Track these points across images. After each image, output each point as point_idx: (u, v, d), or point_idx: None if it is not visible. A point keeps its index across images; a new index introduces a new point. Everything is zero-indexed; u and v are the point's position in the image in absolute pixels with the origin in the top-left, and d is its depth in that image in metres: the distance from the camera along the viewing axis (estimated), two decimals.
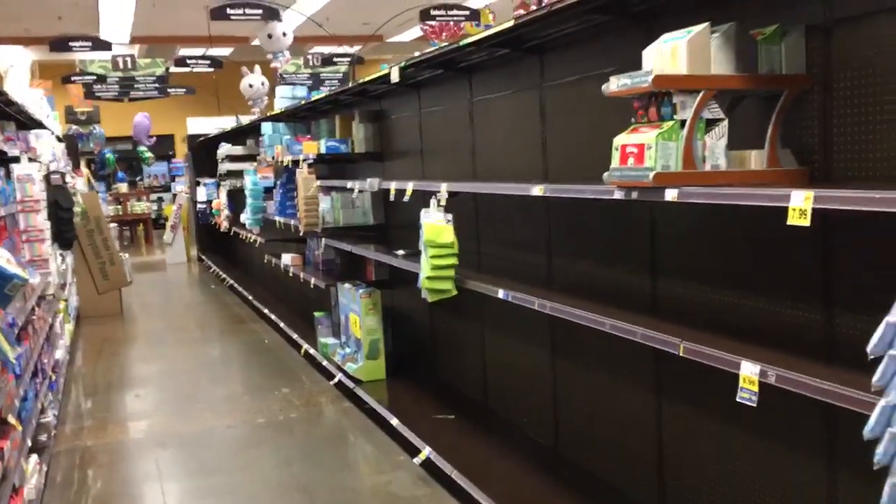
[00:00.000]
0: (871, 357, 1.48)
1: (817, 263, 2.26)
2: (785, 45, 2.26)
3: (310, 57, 10.96)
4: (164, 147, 19.19)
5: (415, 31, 13.45)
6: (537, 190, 2.88)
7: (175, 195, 14.07)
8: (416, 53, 4.16)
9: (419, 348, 5.18)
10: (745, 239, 2.51)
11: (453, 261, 3.62)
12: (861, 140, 2.15)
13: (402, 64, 4.22)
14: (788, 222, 1.81)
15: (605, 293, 3.15)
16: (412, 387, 4.88)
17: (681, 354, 2.29)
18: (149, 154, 17.08)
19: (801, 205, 1.78)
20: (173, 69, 13.42)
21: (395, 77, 4.26)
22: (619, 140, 2.35)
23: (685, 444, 2.87)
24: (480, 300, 3.49)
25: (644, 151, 2.26)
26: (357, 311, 5.11)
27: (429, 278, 3.61)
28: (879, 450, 1.47)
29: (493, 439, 3.94)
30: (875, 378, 1.48)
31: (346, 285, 5.32)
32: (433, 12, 6.23)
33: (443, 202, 3.61)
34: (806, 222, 1.79)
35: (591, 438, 3.43)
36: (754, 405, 1.98)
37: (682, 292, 2.78)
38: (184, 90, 14.64)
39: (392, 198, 4.27)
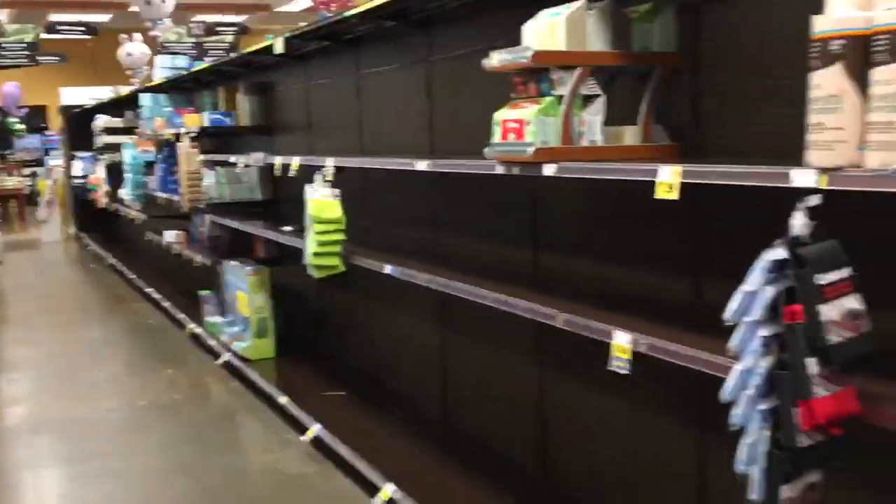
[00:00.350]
0: (728, 324, 1.55)
1: (689, 236, 2.36)
2: (658, 24, 2.33)
3: (193, 26, 10.55)
4: (36, 119, 18.11)
5: (305, 1, 13.15)
6: (422, 165, 2.88)
7: (49, 170, 13.33)
8: (302, 24, 4.07)
9: (310, 325, 5.13)
10: (623, 213, 2.59)
11: (340, 236, 3.58)
12: (730, 116, 2.25)
13: (287, 35, 4.12)
14: (657, 196, 1.87)
15: (491, 268, 3.19)
16: (303, 364, 4.82)
17: (559, 326, 2.35)
18: (20, 126, 16.08)
19: (669, 179, 1.84)
20: (44, 36, 12.63)
21: (279, 48, 4.16)
22: (500, 115, 2.37)
23: (567, 413, 2.95)
24: (371, 276, 3.48)
25: (524, 127, 2.28)
26: (244, 288, 5.00)
27: (315, 254, 3.56)
28: (736, 411, 1.55)
29: (385, 414, 3.95)
30: (731, 343, 1.56)
31: (233, 263, 5.19)
32: None
33: (329, 177, 3.56)
34: (675, 196, 1.85)
35: (480, 410, 3.49)
36: (628, 373, 2.05)
37: (564, 266, 2.85)
38: (56, 58, 13.82)
39: (279, 172, 4.18)
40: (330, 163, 3.57)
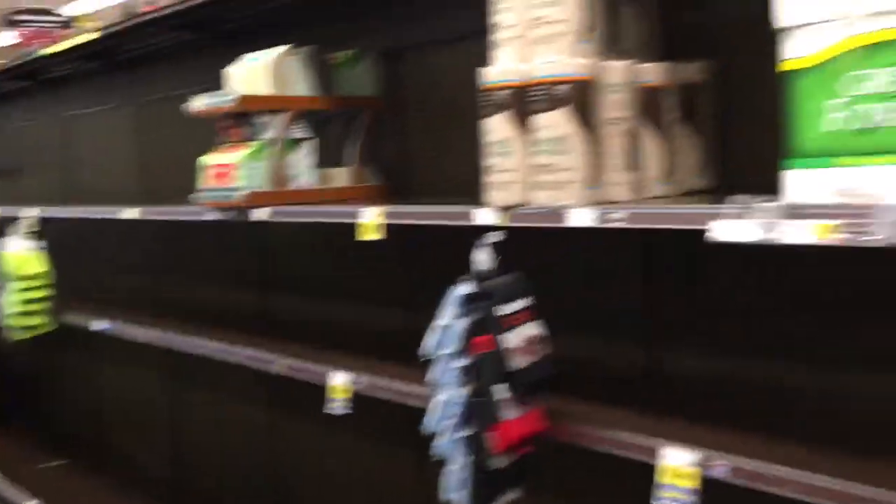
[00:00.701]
0: (425, 359, 1.63)
1: (406, 273, 2.44)
2: (360, 70, 2.40)
3: None
4: None
5: (11, 36, 12.00)
6: (130, 213, 2.73)
7: None
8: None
9: (22, 391, 4.63)
10: (345, 252, 2.61)
11: (46, 293, 3.29)
12: (433, 158, 2.37)
13: None
14: (361, 238, 1.92)
15: (220, 314, 3.08)
16: (15, 435, 4.35)
17: (281, 372, 2.32)
18: None
19: (371, 220, 1.90)
20: None
21: None
22: (208, 160, 2.32)
23: (301, 457, 2.92)
24: (89, 332, 3.22)
25: (232, 171, 2.25)
26: None
27: (18, 314, 3.23)
28: (439, 442, 1.62)
29: (111, 479, 3.67)
30: (429, 376, 1.63)
31: None
32: (18, 17, 5.59)
33: (29, 229, 3.26)
34: (379, 237, 1.91)
35: (211, 464, 3.34)
36: (349, 412, 2.07)
37: (291, 308, 2.83)
38: None
39: None
40: (28, 213, 3.27)
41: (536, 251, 1.82)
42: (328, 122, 2.48)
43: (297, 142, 2.32)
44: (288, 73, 2.30)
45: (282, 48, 2.29)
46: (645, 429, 1.59)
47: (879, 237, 1.03)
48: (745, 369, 1.69)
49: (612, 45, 1.63)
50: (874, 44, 1.11)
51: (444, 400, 1.60)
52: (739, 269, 1.66)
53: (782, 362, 1.63)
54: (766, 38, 1.24)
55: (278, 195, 2.26)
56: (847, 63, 1.14)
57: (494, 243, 1.65)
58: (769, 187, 1.23)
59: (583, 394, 1.78)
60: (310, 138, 2.35)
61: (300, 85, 2.32)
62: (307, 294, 2.76)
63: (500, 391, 1.57)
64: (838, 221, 1.07)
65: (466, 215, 1.67)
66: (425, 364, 2.15)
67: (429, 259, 2.35)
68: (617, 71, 1.56)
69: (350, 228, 2.14)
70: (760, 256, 1.20)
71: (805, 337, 1.60)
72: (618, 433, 1.56)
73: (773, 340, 1.64)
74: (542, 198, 1.56)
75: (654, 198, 1.60)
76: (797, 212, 1.14)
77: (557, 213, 1.51)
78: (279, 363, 2.31)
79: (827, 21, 1.15)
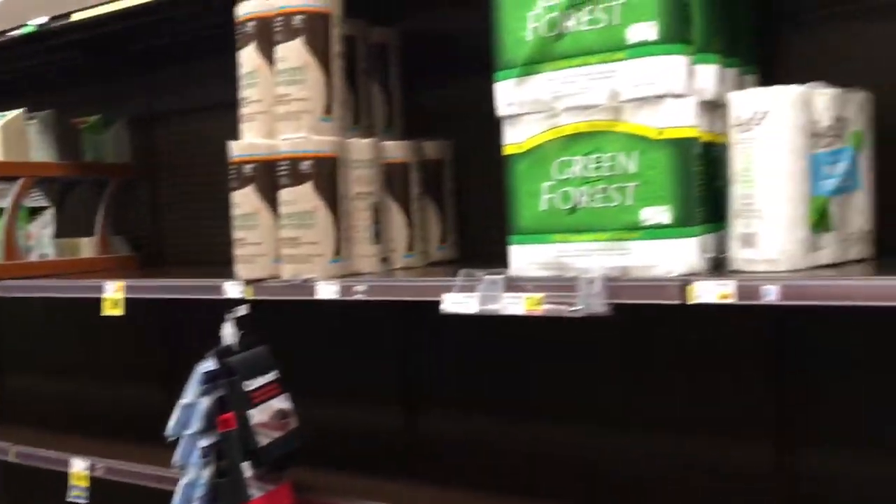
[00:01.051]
0: (170, 439, 1.55)
1: (160, 347, 2.33)
2: (109, 135, 2.31)
3: None
4: None
5: None
6: None
7: None
8: None
9: None
10: (92, 327, 2.45)
11: None
12: (187, 227, 2.30)
13: None
14: (103, 313, 1.81)
15: None
16: None
17: (14, 460, 2.12)
18: None
19: (112, 294, 1.80)
20: None
21: None
22: None
23: None
24: None
25: None
26: None
27: None
28: None
29: None
30: (174, 458, 1.55)
31: None
32: None
33: None
34: (119, 312, 1.81)
35: None
36: (87, 501, 1.92)
37: (30, 389, 2.60)
38: None
39: None
40: None
41: (290, 322, 1.82)
42: (73, 190, 2.34)
43: (35, 210, 2.17)
44: (25, 137, 2.15)
45: (16, 111, 2.14)
46: (399, 496, 1.61)
47: (580, 308, 1.14)
48: (499, 431, 1.77)
49: (357, 123, 1.69)
50: (572, 134, 1.24)
51: (189, 482, 1.53)
52: (487, 333, 1.75)
53: (538, 423, 1.73)
54: (497, 122, 1.35)
55: (10, 268, 2.09)
56: (552, 150, 1.27)
57: (242, 317, 1.62)
58: (504, 260, 1.32)
59: (339, 464, 1.77)
60: (49, 207, 2.20)
61: (39, 150, 2.19)
62: (49, 374, 2.56)
63: (247, 469, 1.53)
64: (544, 294, 1.17)
65: (212, 289, 1.64)
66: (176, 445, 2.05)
67: (187, 332, 2.27)
68: (361, 147, 1.62)
69: (96, 302, 2.02)
70: (506, 320, 1.26)
71: (559, 398, 1.71)
72: (365, 503, 1.57)
73: (532, 402, 1.74)
74: (289, 271, 1.56)
75: (400, 269, 1.66)
76: (512, 285, 1.23)
77: (302, 286, 1.52)
78: (12, 451, 2.10)
79: (534, 113, 1.27)
